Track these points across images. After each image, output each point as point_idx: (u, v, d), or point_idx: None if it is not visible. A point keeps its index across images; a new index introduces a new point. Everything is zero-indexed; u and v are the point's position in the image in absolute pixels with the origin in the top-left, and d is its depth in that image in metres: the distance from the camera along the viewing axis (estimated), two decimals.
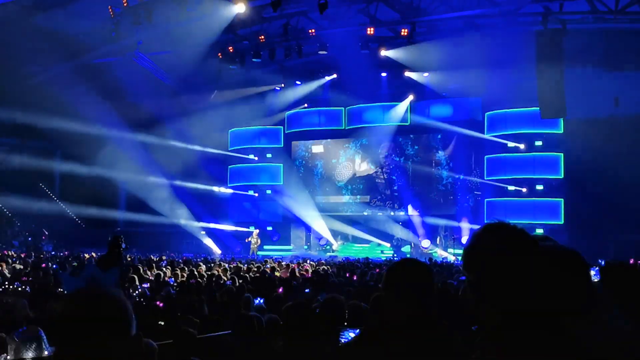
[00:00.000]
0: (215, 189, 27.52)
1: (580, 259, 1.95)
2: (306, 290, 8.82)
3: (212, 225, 27.18)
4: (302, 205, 26.89)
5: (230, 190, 27.89)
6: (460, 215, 23.82)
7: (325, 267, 14.36)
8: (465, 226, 22.92)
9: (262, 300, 7.51)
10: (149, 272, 11.86)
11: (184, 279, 10.57)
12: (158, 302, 7.91)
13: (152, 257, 19.79)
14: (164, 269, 12.51)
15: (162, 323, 6.91)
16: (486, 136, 23.27)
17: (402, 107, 24.78)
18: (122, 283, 9.03)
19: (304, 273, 12.69)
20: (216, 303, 7.98)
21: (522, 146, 22.50)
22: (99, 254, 14.65)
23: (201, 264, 15.00)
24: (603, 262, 10.86)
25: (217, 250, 26.41)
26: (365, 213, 25.90)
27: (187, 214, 26.64)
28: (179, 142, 25.97)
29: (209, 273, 11.64)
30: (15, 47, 19.80)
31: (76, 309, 1.47)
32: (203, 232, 27.40)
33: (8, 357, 3.82)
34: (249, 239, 24.51)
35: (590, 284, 1.95)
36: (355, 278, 11.46)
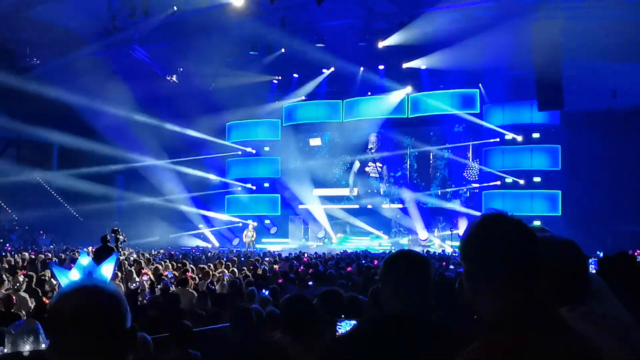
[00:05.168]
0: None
1: (577, 249, 1.95)
2: (310, 283, 8.84)
3: (209, 214, 27.16)
4: (300, 198, 26.91)
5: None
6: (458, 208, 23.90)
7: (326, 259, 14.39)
8: (463, 218, 22.96)
9: (267, 292, 7.51)
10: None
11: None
12: (158, 295, 7.93)
13: (153, 251, 19.83)
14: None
15: (162, 317, 6.92)
16: (483, 123, 23.30)
17: (399, 97, 24.76)
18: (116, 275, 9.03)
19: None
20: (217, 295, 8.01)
21: (519, 138, 22.54)
22: (96, 247, 14.63)
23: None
24: (601, 254, 10.89)
25: (215, 242, 26.42)
26: (366, 206, 25.91)
27: (187, 201, 26.73)
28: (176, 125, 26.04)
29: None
30: (11, 40, 19.72)
31: (70, 302, 1.47)
32: (201, 226, 27.40)
33: (5, 350, 3.82)
34: (245, 233, 24.56)
35: (587, 275, 1.95)
36: (349, 269, 11.48)
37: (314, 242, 25.98)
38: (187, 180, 26.82)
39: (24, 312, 7.04)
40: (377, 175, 26.21)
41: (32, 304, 7.58)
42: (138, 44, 21.34)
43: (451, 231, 22.29)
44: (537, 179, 22.33)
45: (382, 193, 26.01)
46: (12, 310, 6.83)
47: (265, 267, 12.13)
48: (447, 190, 24.82)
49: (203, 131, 26.31)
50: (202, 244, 26.57)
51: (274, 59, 23.02)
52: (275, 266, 12.94)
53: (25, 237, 26.30)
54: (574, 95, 18.63)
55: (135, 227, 24.08)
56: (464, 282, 1.63)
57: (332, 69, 24.61)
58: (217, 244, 26.33)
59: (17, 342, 3.77)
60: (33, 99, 20.85)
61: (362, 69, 23.98)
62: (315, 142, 27.25)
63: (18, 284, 8.53)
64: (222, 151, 27.81)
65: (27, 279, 8.95)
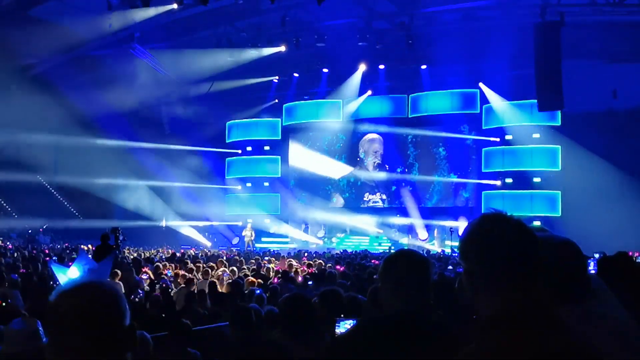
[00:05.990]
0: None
1: (577, 250, 1.95)
2: (309, 283, 8.83)
3: (202, 224, 27.11)
4: (299, 197, 26.88)
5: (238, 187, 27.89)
6: (458, 208, 23.86)
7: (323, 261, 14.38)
8: (462, 218, 22.94)
9: (260, 291, 7.50)
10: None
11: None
12: (157, 294, 7.92)
13: (153, 250, 19.83)
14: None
15: (164, 315, 6.92)
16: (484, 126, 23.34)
17: (399, 97, 24.82)
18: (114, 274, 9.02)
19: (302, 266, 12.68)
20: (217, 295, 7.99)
21: (519, 139, 22.52)
22: (96, 246, 14.64)
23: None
24: (600, 254, 10.88)
25: (206, 242, 26.32)
26: (363, 205, 25.94)
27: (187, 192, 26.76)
28: (177, 137, 25.97)
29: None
30: (11, 39, 19.68)
31: (69, 300, 1.46)
32: (201, 224, 27.35)
33: (4, 348, 3.81)
34: (244, 232, 24.53)
35: (587, 275, 1.95)
36: (342, 269, 11.44)
37: (314, 241, 25.93)
38: (187, 172, 26.67)
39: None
40: (377, 175, 26.20)
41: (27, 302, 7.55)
42: (139, 42, 21.33)
43: (451, 231, 22.27)
44: (537, 180, 22.31)
45: (382, 192, 25.99)
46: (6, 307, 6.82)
47: (269, 267, 12.14)
48: (447, 190, 24.77)
49: (203, 130, 26.29)
50: (201, 239, 26.52)
51: (274, 59, 23.00)
52: (271, 265, 12.92)
53: (24, 235, 26.22)
54: (574, 95, 18.62)
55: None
56: (463, 281, 1.63)
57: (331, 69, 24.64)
58: (208, 244, 26.27)
59: (16, 341, 3.76)
60: (32, 97, 20.83)
61: (362, 68, 23.98)
62: (315, 141, 27.21)
63: (7, 283, 8.50)
64: (222, 152, 27.81)
65: (25, 277, 8.94)
